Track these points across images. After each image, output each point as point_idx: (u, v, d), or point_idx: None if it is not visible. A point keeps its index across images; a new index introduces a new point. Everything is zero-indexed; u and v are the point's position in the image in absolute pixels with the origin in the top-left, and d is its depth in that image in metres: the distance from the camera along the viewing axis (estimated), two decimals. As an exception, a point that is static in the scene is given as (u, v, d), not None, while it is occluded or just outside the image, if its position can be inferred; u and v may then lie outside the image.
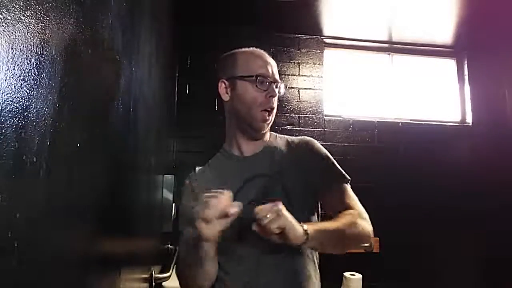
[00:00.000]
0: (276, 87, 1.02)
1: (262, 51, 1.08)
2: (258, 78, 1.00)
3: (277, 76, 1.04)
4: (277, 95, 1.03)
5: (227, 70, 1.06)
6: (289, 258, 0.95)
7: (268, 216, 0.74)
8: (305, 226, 0.81)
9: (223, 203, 0.77)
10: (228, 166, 1.07)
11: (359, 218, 0.93)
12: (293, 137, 1.12)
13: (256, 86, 1.00)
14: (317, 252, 1.03)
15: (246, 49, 1.08)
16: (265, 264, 0.94)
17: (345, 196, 1.00)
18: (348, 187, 1.03)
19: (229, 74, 1.05)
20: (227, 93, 1.05)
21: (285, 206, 0.83)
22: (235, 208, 0.77)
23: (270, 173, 1.01)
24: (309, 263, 0.98)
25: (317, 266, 1.02)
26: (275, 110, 1.05)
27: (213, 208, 0.76)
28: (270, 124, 1.05)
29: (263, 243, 0.84)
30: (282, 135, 1.14)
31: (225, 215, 0.76)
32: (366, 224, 0.94)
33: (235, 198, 0.84)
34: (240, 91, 1.02)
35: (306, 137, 1.11)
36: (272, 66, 1.04)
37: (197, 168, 1.07)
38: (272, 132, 1.13)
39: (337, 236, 0.88)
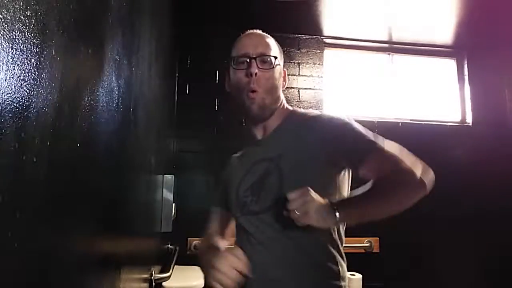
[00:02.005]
0: (263, 62, 0.97)
1: (255, 31, 1.05)
2: (235, 58, 0.99)
3: (265, 50, 0.98)
4: (263, 72, 0.96)
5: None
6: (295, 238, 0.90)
7: (298, 209, 0.76)
8: (336, 209, 0.78)
9: (233, 265, 0.80)
10: (248, 148, 1.11)
11: (397, 178, 0.85)
12: (315, 112, 1.02)
13: (234, 67, 0.99)
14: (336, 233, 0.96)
15: (242, 34, 1.06)
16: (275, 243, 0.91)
17: (378, 163, 0.87)
18: (379, 149, 0.89)
19: (227, 66, 1.06)
20: (228, 84, 1.06)
21: (277, 189, 0.89)
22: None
23: (272, 156, 0.96)
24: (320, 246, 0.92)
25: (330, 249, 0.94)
26: (264, 91, 0.97)
27: (224, 269, 0.79)
28: (260, 105, 0.97)
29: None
30: (306, 111, 1.04)
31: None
32: (406, 178, 0.84)
33: (240, 183, 0.99)
34: (230, 78, 1.03)
35: (323, 114, 1.00)
36: (258, 43, 0.99)
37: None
38: (296, 109, 1.06)
39: (376, 205, 0.84)
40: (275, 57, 1.00)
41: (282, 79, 1.05)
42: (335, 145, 0.91)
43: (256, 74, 0.95)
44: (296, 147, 0.94)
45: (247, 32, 1.06)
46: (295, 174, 0.91)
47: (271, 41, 1.03)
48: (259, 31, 1.05)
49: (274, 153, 0.96)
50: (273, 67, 0.99)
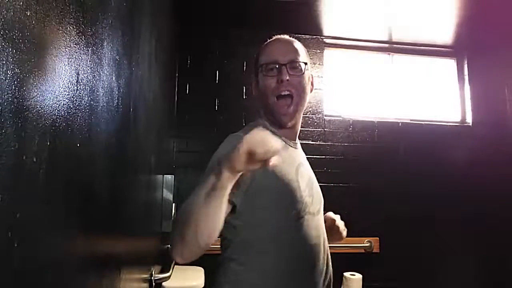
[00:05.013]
0: (293, 68, 0.97)
1: (282, 36, 1.05)
2: (264, 65, 0.99)
3: (294, 57, 0.98)
4: (294, 77, 0.97)
5: (254, 67, 1.07)
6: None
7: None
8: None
9: (273, 146, 0.70)
10: (286, 148, 1.01)
11: None
12: None
13: (263, 74, 0.99)
14: None
15: (270, 40, 1.06)
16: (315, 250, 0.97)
17: None
18: None
19: (254, 71, 1.06)
20: (255, 89, 1.06)
21: (320, 196, 1.04)
22: (275, 161, 0.71)
23: (305, 163, 1.06)
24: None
25: None
26: (298, 95, 0.98)
27: (261, 142, 0.69)
28: (293, 113, 0.99)
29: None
30: None
31: (262, 161, 0.70)
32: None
33: (297, 182, 0.96)
34: (259, 84, 1.02)
35: None
36: (287, 50, 0.99)
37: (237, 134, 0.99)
38: None
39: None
40: (305, 63, 1.00)
41: (310, 83, 1.05)
42: None
43: (287, 80, 0.96)
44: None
45: (274, 38, 1.05)
46: (316, 183, 1.07)
47: (299, 46, 1.03)
48: (286, 36, 1.05)
49: (305, 160, 1.07)
50: (303, 73, 0.99)
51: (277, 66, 0.97)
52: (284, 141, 1.01)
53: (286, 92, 0.97)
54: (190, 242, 0.75)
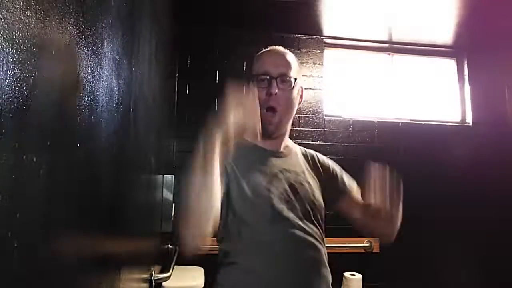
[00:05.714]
0: (283, 82, 0.99)
1: (276, 48, 1.07)
2: (256, 76, 1.02)
3: (285, 71, 1.01)
4: (283, 91, 0.99)
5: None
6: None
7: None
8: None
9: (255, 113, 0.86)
10: (254, 155, 1.03)
11: None
12: (300, 147, 1.17)
13: (254, 85, 1.01)
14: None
15: (264, 50, 1.09)
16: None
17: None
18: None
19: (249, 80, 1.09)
20: None
21: (311, 202, 1.00)
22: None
23: (297, 169, 1.05)
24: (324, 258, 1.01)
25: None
26: (283, 110, 1.00)
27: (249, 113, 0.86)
28: (277, 125, 1.02)
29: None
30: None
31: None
32: None
33: (268, 188, 0.96)
34: None
35: (311, 150, 1.18)
36: (279, 63, 1.02)
37: None
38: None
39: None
40: (295, 79, 1.02)
41: (299, 97, 1.08)
42: (328, 178, 1.14)
43: (276, 94, 0.99)
44: (309, 171, 1.09)
45: (268, 49, 1.08)
46: (317, 190, 1.06)
47: (291, 58, 1.05)
48: (280, 48, 1.07)
49: (298, 167, 1.06)
50: (293, 87, 1.02)
51: (268, 78, 1.00)
52: (265, 150, 1.05)
53: (272, 105, 1.00)
54: (194, 214, 0.82)
